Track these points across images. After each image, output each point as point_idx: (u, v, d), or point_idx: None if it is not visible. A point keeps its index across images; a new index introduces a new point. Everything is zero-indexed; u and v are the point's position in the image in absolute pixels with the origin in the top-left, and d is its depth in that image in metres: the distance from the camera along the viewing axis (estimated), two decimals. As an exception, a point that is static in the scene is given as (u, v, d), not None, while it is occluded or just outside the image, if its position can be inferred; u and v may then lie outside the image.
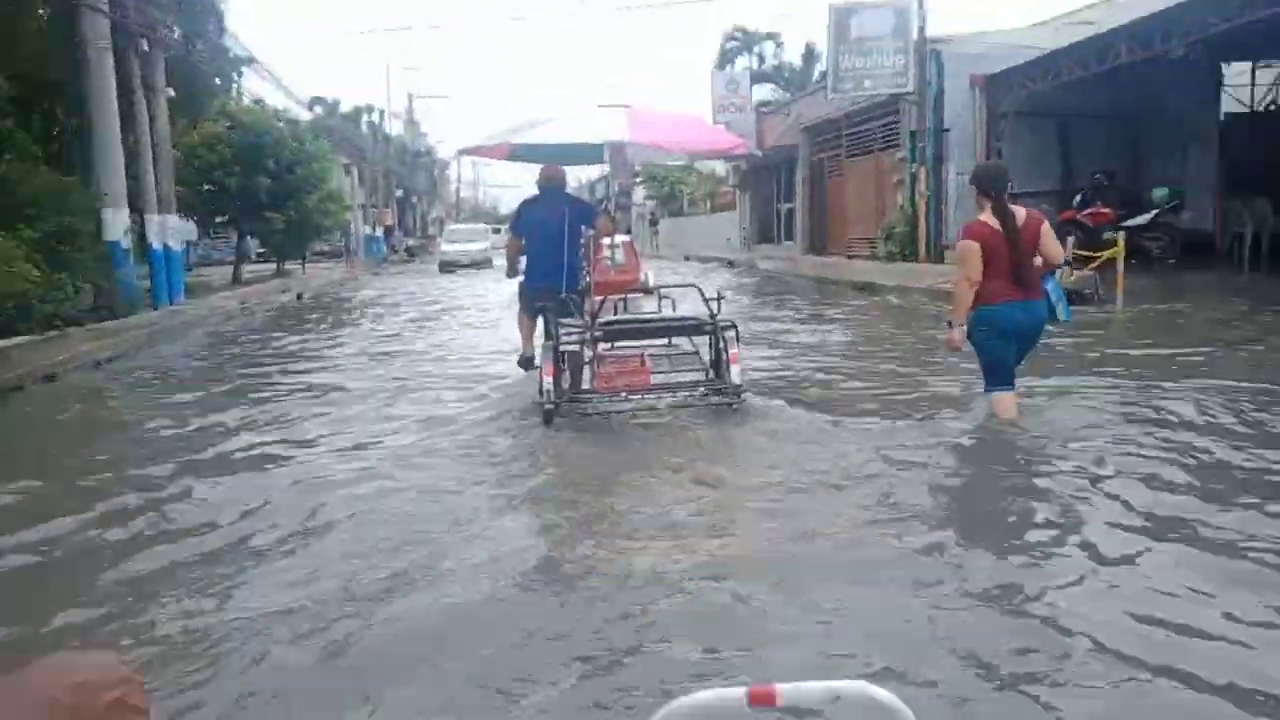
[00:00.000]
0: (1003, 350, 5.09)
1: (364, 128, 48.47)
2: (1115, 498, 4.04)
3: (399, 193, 56.80)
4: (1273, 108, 18.47)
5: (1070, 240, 16.64)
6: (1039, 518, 3.90)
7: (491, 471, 4.92)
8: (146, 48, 15.82)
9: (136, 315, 14.68)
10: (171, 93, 17.88)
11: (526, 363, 6.62)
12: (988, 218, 4.98)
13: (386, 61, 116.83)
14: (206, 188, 25.03)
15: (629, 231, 53.45)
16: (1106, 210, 15.73)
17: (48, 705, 0.69)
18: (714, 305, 5.88)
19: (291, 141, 25.61)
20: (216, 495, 4.69)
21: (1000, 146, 17.11)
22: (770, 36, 31.96)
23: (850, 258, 20.58)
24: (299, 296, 20.70)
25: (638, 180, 39.83)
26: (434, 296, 18.79)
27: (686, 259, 28.82)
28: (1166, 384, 6.25)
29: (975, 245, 4.92)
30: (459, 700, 2.59)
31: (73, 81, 14.56)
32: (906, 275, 15.24)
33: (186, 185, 25.37)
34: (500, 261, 13.63)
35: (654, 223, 50.13)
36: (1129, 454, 4.67)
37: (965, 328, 5.12)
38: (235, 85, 26.91)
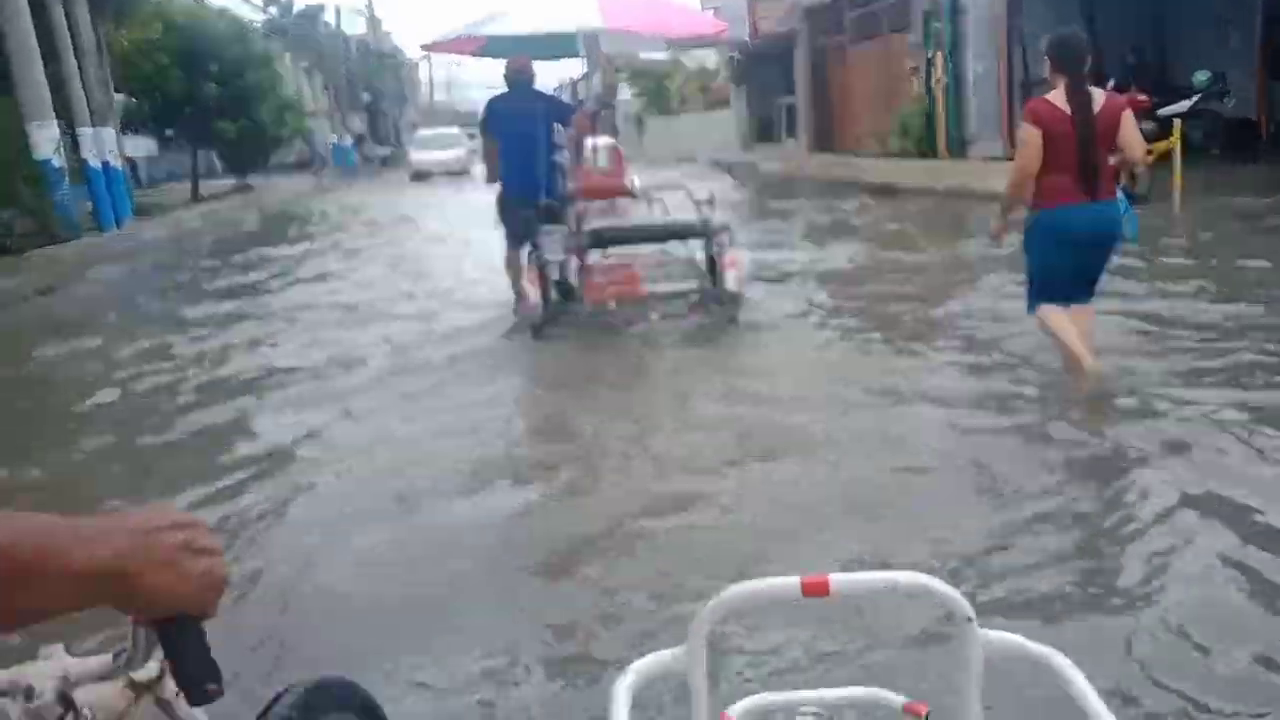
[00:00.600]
0: (1059, 262, 4.32)
1: (320, 28, 46.06)
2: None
3: (367, 98, 54.62)
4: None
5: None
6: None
7: (477, 392, 4.81)
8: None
9: (77, 240, 13.71)
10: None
11: (526, 321, 6.00)
12: (1057, 98, 4.19)
13: None
14: (139, 100, 23.59)
15: (616, 133, 51.90)
16: (1143, 96, 14.66)
17: (111, 538, 0.66)
18: (705, 209, 5.69)
19: (236, 44, 24.00)
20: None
21: (1020, 26, 15.90)
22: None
23: (858, 154, 19.47)
24: (260, 213, 19.61)
25: (622, 76, 38.06)
26: (407, 212, 17.73)
27: (680, 161, 27.55)
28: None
29: (1037, 132, 4.16)
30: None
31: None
32: (927, 174, 14.29)
33: (125, 95, 24.03)
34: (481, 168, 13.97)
35: (641, 122, 48.30)
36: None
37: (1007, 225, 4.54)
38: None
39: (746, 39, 22.47)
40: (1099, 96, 4.20)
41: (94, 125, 15.44)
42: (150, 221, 16.95)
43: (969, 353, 5.21)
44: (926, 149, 16.48)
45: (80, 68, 15.07)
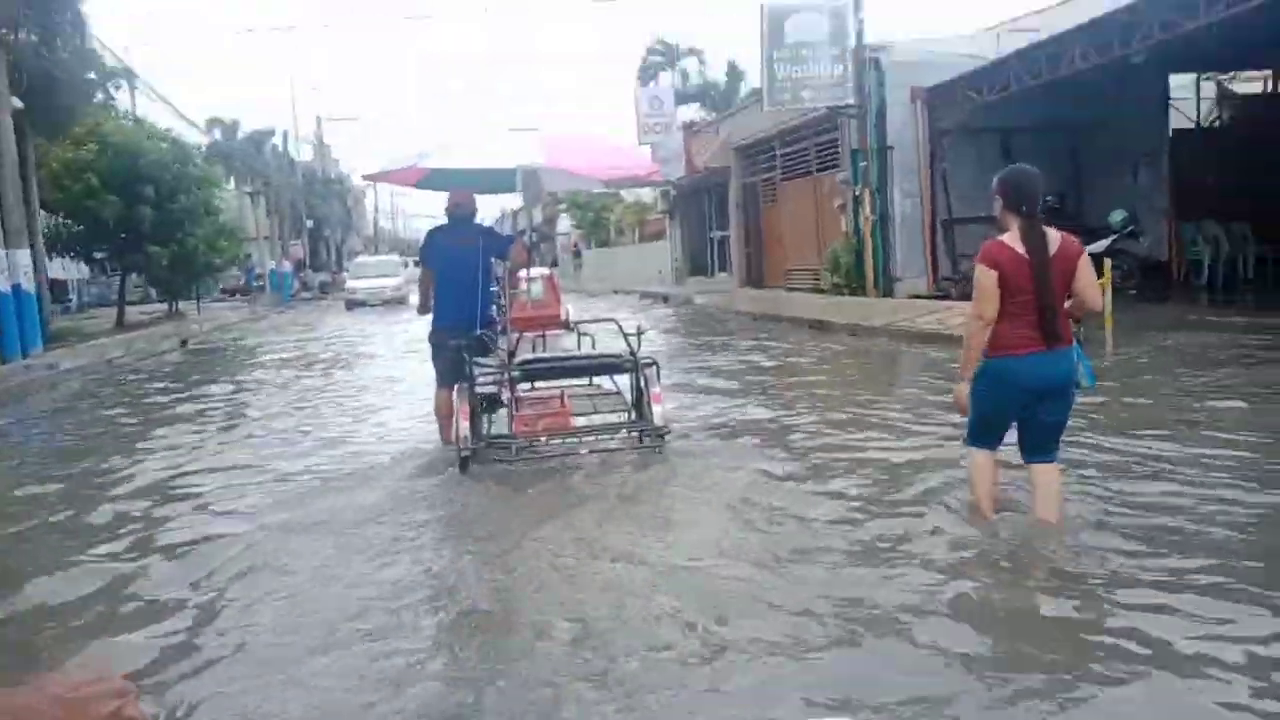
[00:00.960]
0: (1004, 409, 4.06)
1: (268, 153, 46.18)
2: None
3: (309, 224, 54.48)
4: (1218, 123, 18.15)
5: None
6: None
7: (400, 529, 4.60)
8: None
9: (-29, 370, 12.72)
10: (17, 103, 15.92)
11: (458, 457, 5.61)
12: (1012, 239, 3.92)
13: (290, 75, 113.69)
14: (70, 222, 22.90)
15: (554, 264, 52.35)
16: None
17: (45, 717, 0.68)
18: (634, 341, 5.64)
19: (174, 165, 23.59)
20: None
21: (944, 166, 16.36)
22: (693, 53, 31.10)
23: (791, 290, 19.55)
24: (183, 343, 18.73)
25: (562, 208, 38.66)
26: (333, 344, 17.05)
27: (615, 292, 27.56)
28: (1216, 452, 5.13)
29: (993, 274, 3.87)
30: None
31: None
32: (858, 311, 14.19)
33: (54, 214, 23.30)
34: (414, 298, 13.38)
35: (578, 254, 48.99)
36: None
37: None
38: (107, 100, 24.93)
39: (682, 175, 22.83)
40: (1054, 237, 3.94)
41: (6, 246, 14.66)
42: (61, 351, 15.94)
43: (889, 497, 4.87)
44: (856, 285, 16.55)
45: (-2, 182, 14.40)
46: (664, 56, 30.78)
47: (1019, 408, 4.02)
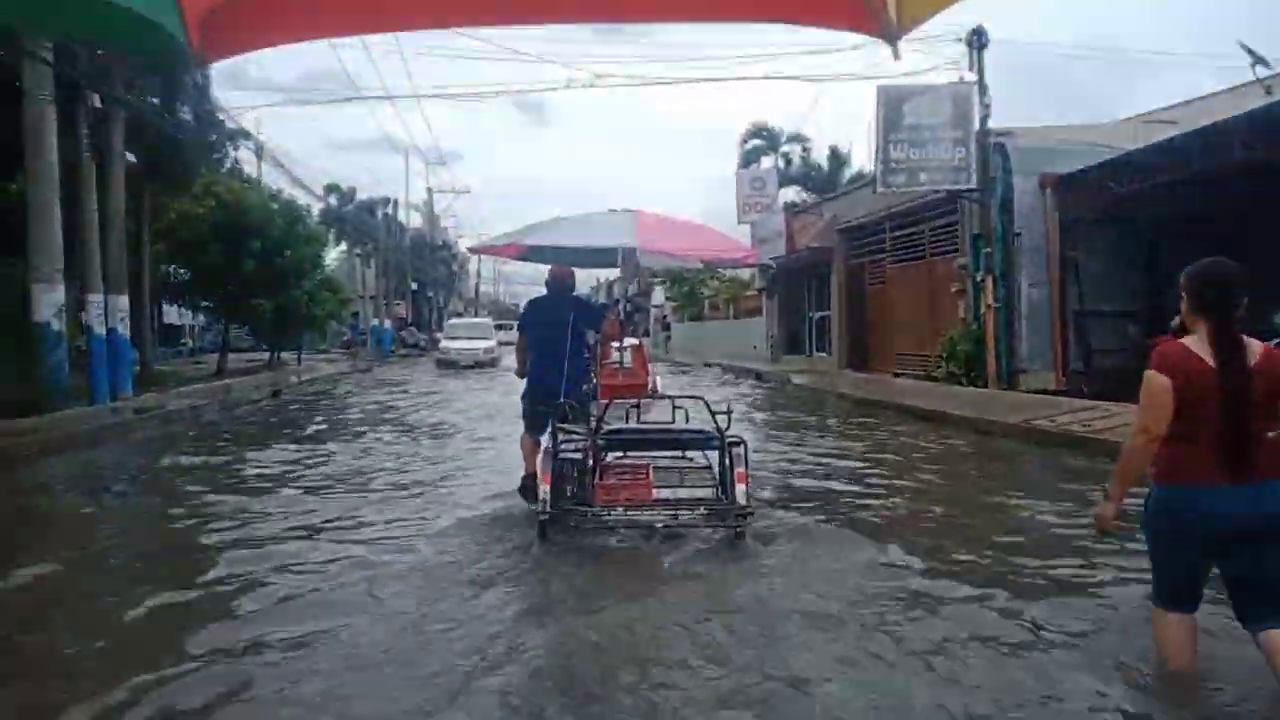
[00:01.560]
0: (1185, 555, 3.16)
1: (379, 219, 47.11)
2: None
3: (414, 285, 55.25)
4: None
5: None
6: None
7: (470, 593, 4.48)
8: (99, 104, 13.79)
9: (60, 411, 12.24)
10: (132, 159, 15.93)
11: (527, 488, 6.11)
12: (1197, 345, 3.09)
13: (406, 149, 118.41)
14: (180, 270, 23.10)
15: (645, 334, 51.59)
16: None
17: None
18: (721, 419, 5.51)
19: (280, 221, 23.64)
20: None
21: (1075, 256, 14.74)
22: (797, 139, 30.22)
23: (897, 375, 17.95)
24: (275, 394, 18.24)
25: (657, 281, 37.88)
26: (418, 407, 16.23)
27: (706, 365, 26.32)
28: None
29: (1166, 383, 3.06)
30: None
31: (12, 141, 12.55)
32: (981, 403, 12.56)
33: (164, 265, 23.54)
34: (508, 361, 14.20)
35: (666, 326, 47.95)
36: None
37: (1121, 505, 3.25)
38: (227, 159, 25.35)
39: (781, 254, 21.67)
40: (1255, 348, 3.07)
41: (108, 292, 14.38)
42: (151, 396, 15.51)
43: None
44: (975, 376, 14.92)
45: (103, 229, 14.17)
46: (765, 141, 30.00)
47: (1209, 555, 3.12)
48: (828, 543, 5.47)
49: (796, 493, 7.17)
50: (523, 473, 6.27)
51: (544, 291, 6.59)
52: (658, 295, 48.11)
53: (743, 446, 5.45)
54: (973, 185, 14.63)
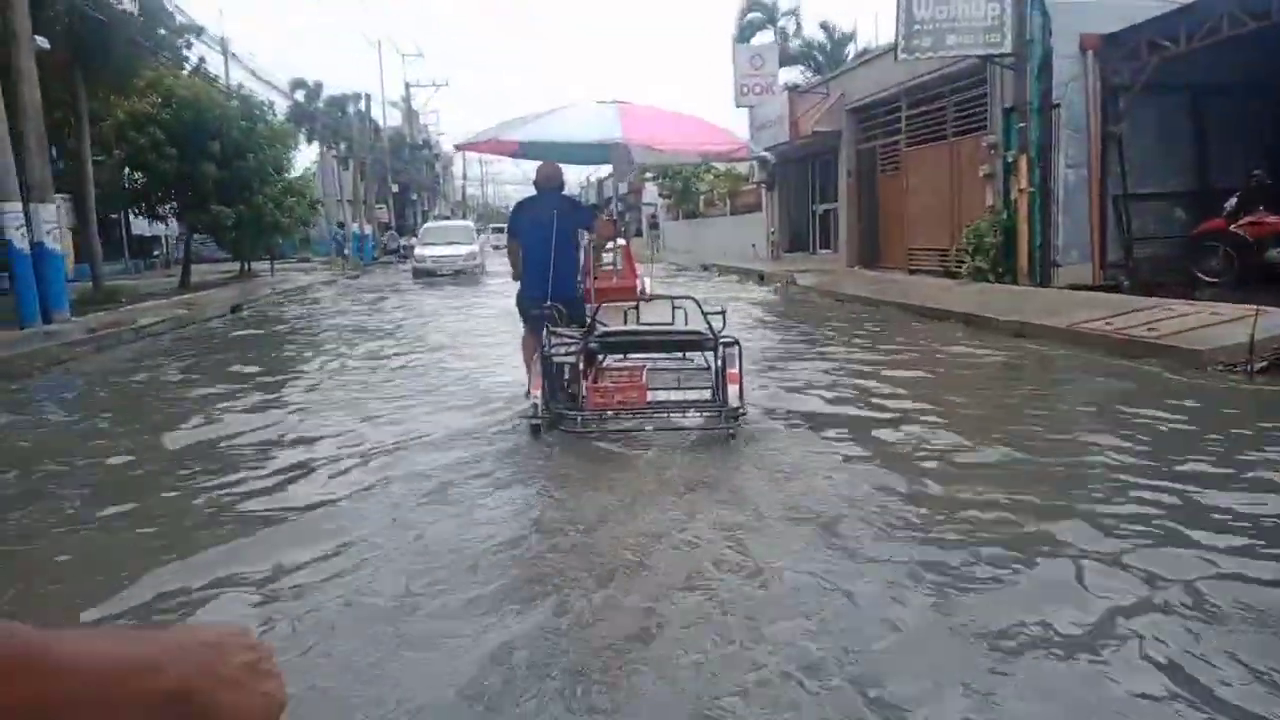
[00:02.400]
0: None
1: (352, 117, 44.29)
2: None
3: (395, 188, 52.72)
4: None
5: (1218, 257, 12.61)
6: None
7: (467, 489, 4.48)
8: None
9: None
10: (43, 43, 13.82)
11: (529, 424, 5.72)
12: None
13: (378, 39, 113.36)
14: (137, 175, 21.10)
15: (639, 234, 49.48)
16: (1274, 218, 11.53)
17: (179, 658, 0.65)
18: (715, 320, 5.45)
19: (241, 121, 21.46)
20: None
21: (1118, 131, 12.91)
22: (791, 13, 27.37)
23: (912, 272, 16.32)
24: (235, 309, 16.59)
25: (648, 176, 35.66)
26: (396, 318, 14.63)
27: (704, 269, 24.57)
28: None
29: None
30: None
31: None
32: (1011, 304, 10.99)
33: (115, 169, 21.48)
34: (494, 267, 13.76)
35: (654, 225, 45.87)
36: None
37: None
38: (180, 57, 22.96)
39: (784, 140, 19.67)
40: None
41: (31, 200, 12.56)
42: (96, 316, 13.86)
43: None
44: (1003, 271, 13.29)
45: (16, 128, 12.25)
46: (763, 13, 27.20)
47: None
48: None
49: (816, 420, 5.93)
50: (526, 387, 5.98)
51: (532, 192, 6.40)
52: (649, 192, 45.83)
53: (736, 347, 5.35)
54: (1007, 49, 12.66)
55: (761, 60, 22.11)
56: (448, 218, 58.72)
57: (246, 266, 27.98)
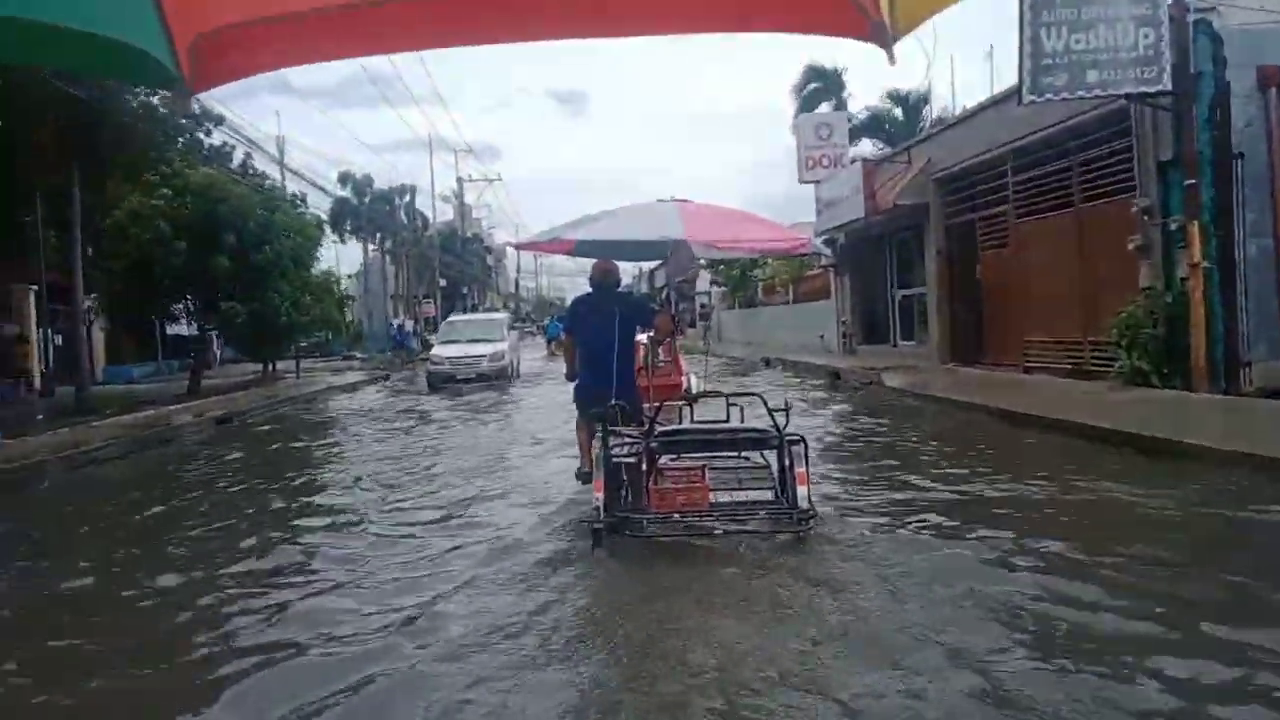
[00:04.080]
0: None
1: (401, 212, 43.03)
2: None
3: (443, 282, 51.23)
4: None
5: None
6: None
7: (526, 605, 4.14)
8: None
9: None
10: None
11: (585, 477, 5.99)
12: None
13: (429, 134, 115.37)
14: (133, 273, 19.00)
15: (692, 325, 46.80)
16: None
17: None
18: (780, 416, 5.20)
19: (258, 211, 19.45)
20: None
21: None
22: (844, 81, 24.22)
23: (1029, 370, 13.06)
24: (221, 421, 14.06)
25: (701, 264, 33.05)
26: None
27: (767, 364, 21.50)
28: None
29: None
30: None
31: None
32: (1204, 420, 7.74)
33: (120, 268, 19.54)
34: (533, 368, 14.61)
35: (704, 316, 43.24)
36: None
37: None
38: (195, 144, 21.31)
39: (860, 215, 16.80)
40: None
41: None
42: (37, 438, 11.39)
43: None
44: (1169, 371, 10.01)
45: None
46: (823, 85, 24.63)
47: None
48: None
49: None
50: (578, 465, 6.22)
51: (588, 289, 6.37)
52: (702, 280, 43.27)
53: (802, 445, 5.08)
54: (1166, 85, 9.67)
55: (829, 130, 19.49)
56: (475, 308, 56.27)
57: (271, 367, 25.84)
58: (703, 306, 45.44)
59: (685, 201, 6.41)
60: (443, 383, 18.52)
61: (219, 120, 24.22)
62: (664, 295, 13.97)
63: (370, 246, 39.49)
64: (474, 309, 59.93)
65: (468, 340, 19.69)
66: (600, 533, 4.99)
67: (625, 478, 5.39)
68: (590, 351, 6.06)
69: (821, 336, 22.39)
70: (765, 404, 5.30)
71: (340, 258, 48.76)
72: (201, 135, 22.36)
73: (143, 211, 18.25)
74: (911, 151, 16.78)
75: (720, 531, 5.02)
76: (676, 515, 5.08)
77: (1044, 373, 12.68)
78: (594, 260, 6.30)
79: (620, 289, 6.50)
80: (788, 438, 5.10)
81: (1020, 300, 13.40)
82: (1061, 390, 10.99)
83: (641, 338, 6.66)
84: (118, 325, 26.29)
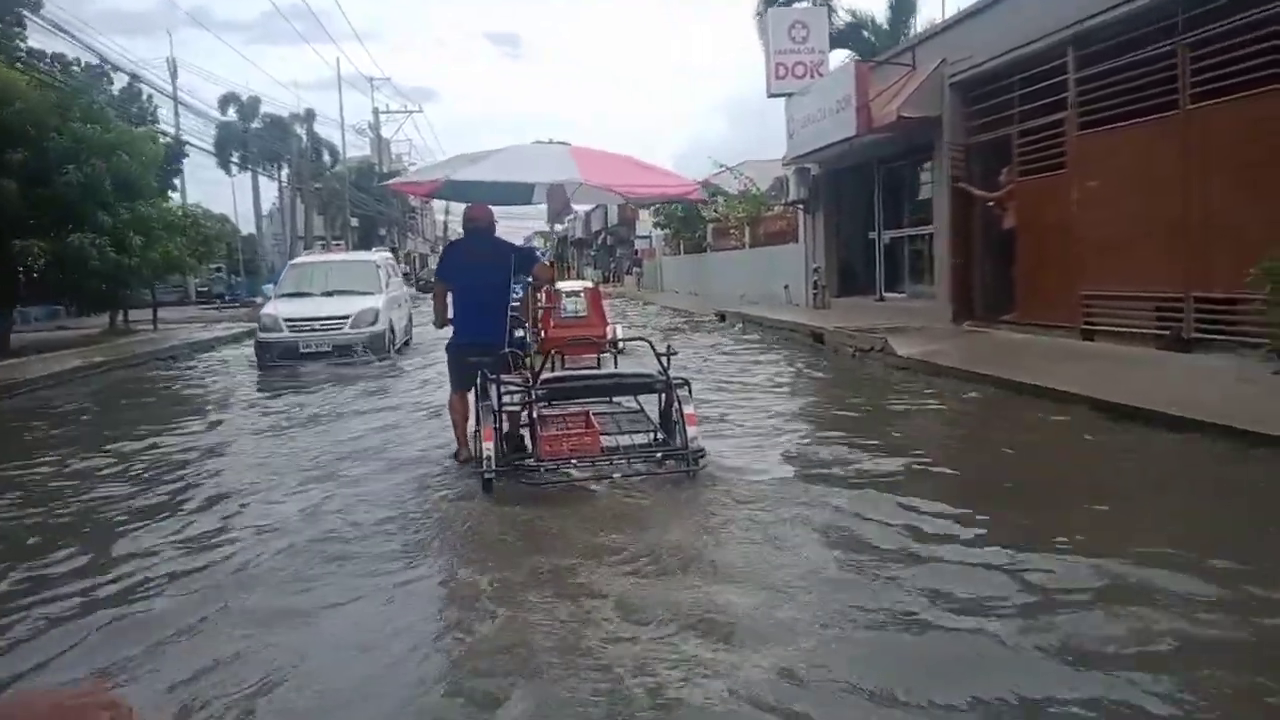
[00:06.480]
0: None
1: (304, 138, 37.78)
2: None
3: (355, 222, 46.13)
4: None
5: None
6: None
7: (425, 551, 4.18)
8: None
9: None
10: None
11: (481, 478, 5.23)
12: None
13: (336, 56, 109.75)
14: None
15: (629, 272, 42.80)
16: None
17: None
18: (664, 360, 5.45)
19: (54, 118, 14.77)
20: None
21: None
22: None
23: (1089, 335, 9.61)
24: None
25: (646, 207, 29.03)
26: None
27: (721, 319, 17.83)
28: None
29: None
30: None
31: None
32: None
33: None
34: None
35: (637, 263, 39.76)
36: None
37: None
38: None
39: (849, 134, 13.03)
40: None
41: None
42: None
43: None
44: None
45: None
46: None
47: None
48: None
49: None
50: (454, 446, 5.96)
51: (461, 236, 6.24)
52: (643, 224, 39.28)
53: (686, 387, 5.36)
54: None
55: (805, 30, 15.55)
56: (423, 256, 51.05)
57: (122, 317, 21.17)
58: (635, 253, 41.68)
59: (567, 144, 6.09)
60: (279, 359, 12.41)
61: (36, 4, 19.19)
62: (601, 233, 11.06)
63: (296, 185, 34.35)
64: (395, 255, 54.74)
65: (321, 294, 13.46)
66: (490, 482, 5.04)
67: (506, 428, 5.44)
68: (467, 299, 5.86)
69: (786, 287, 18.73)
70: (653, 347, 5.55)
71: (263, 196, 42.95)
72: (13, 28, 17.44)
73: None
74: (917, 51, 12.99)
75: (618, 475, 5.14)
76: (571, 461, 5.13)
77: (1112, 338, 9.22)
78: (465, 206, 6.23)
79: (498, 236, 6.25)
80: (673, 379, 5.40)
81: (1079, 241, 9.82)
82: (1156, 363, 7.58)
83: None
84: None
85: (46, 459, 6.92)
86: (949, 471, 5.52)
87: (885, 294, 15.49)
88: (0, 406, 10.25)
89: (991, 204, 11.31)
